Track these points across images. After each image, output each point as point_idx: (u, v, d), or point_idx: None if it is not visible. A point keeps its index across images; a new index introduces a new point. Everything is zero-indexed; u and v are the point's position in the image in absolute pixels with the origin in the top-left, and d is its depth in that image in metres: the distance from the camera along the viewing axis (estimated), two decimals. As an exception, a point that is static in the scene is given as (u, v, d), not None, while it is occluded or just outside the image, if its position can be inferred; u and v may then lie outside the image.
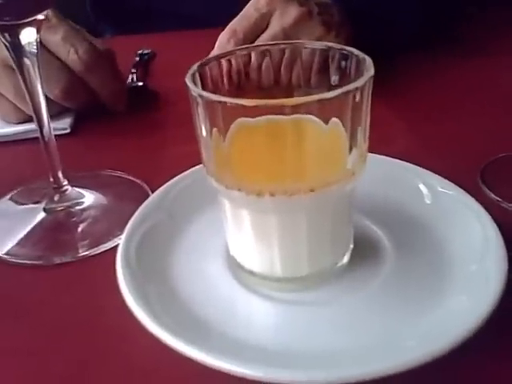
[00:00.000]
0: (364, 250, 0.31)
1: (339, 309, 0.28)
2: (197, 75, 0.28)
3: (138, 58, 0.67)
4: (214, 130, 0.27)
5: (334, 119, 0.27)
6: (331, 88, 0.29)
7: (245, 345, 0.26)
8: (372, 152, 0.30)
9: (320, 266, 0.29)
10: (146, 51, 0.69)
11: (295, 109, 0.24)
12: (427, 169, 0.36)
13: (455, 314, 0.26)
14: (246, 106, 0.24)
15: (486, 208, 0.32)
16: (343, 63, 0.29)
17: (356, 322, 0.27)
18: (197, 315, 0.28)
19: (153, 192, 0.37)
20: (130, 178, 0.43)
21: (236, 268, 0.31)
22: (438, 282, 0.29)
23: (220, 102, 0.25)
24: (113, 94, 0.53)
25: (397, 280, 0.29)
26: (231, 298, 0.29)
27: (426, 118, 0.50)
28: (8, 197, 0.42)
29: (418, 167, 0.36)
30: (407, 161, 0.37)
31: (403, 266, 0.30)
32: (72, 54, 0.48)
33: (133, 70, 0.63)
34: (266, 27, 0.51)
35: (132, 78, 0.61)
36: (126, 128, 0.51)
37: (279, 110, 0.24)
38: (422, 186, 0.35)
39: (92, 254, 0.35)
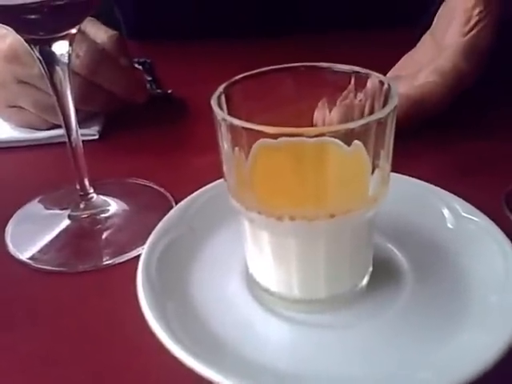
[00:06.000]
0: (383, 274, 0.31)
1: (355, 334, 0.28)
2: (222, 97, 0.28)
3: (140, 66, 0.62)
4: (236, 149, 0.27)
5: (357, 141, 0.27)
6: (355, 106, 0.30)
7: (260, 367, 0.26)
8: (396, 172, 0.30)
9: (338, 289, 0.30)
10: (141, 60, 0.63)
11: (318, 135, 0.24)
12: (451, 190, 0.35)
13: (472, 347, 0.26)
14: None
15: (509, 234, 0.31)
16: (368, 85, 0.29)
17: (371, 349, 0.27)
18: (214, 333, 0.28)
19: (177, 202, 0.37)
20: (155, 187, 0.43)
21: (255, 286, 0.31)
22: (456, 311, 0.28)
23: (243, 127, 0.25)
24: (127, 88, 0.51)
25: (414, 307, 0.29)
26: (249, 317, 0.29)
27: (453, 137, 0.49)
28: (37, 200, 0.43)
29: (442, 190, 0.36)
30: (431, 181, 0.36)
31: (422, 292, 0.30)
32: (74, 59, 0.46)
33: (148, 78, 0.60)
34: None
35: (151, 86, 0.59)
36: (154, 136, 0.51)
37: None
38: (444, 210, 0.34)
39: (115, 262, 0.36)
